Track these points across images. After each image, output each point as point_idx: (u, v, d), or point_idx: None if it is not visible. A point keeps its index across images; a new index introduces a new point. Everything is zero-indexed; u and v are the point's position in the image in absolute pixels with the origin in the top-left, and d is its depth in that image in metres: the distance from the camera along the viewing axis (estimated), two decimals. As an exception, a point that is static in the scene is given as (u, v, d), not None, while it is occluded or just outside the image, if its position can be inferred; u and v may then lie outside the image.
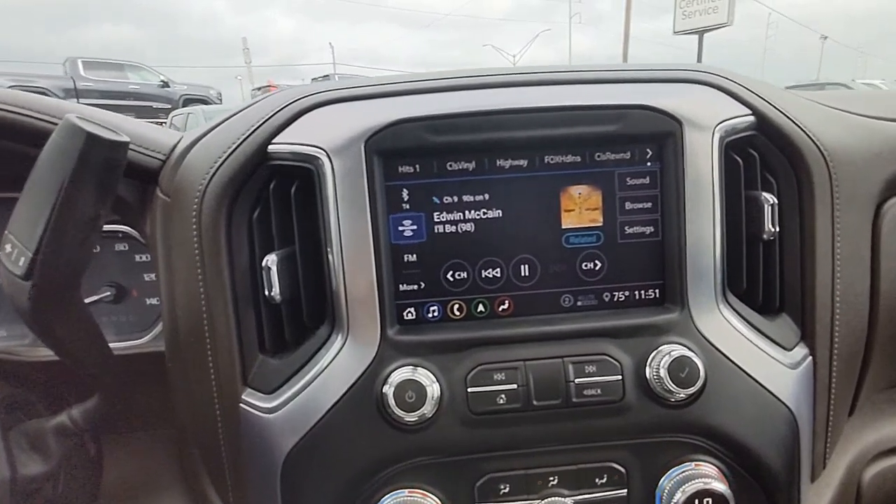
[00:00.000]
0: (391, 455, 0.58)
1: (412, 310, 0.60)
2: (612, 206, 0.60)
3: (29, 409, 0.76)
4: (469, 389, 0.57)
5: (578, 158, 0.59)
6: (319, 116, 0.59)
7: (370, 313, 0.57)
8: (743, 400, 0.60)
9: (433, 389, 0.56)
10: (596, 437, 0.60)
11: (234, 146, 0.58)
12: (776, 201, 0.61)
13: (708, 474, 0.59)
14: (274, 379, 0.60)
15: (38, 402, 0.77)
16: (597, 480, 0.61)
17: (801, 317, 0.64)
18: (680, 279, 0.59)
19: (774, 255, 0.64)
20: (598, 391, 0.58)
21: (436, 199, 0.58)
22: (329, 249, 0.57)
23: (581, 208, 0.59)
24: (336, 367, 0.58)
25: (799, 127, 0.61)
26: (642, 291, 0.61)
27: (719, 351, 0.59)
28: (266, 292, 0.58)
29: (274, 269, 0.57)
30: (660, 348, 0.58)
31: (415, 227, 0.59)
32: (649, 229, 0.60)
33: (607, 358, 0.58)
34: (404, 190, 0.58)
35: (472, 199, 0.59)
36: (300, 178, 0.59)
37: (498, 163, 0.58)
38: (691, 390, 0.57)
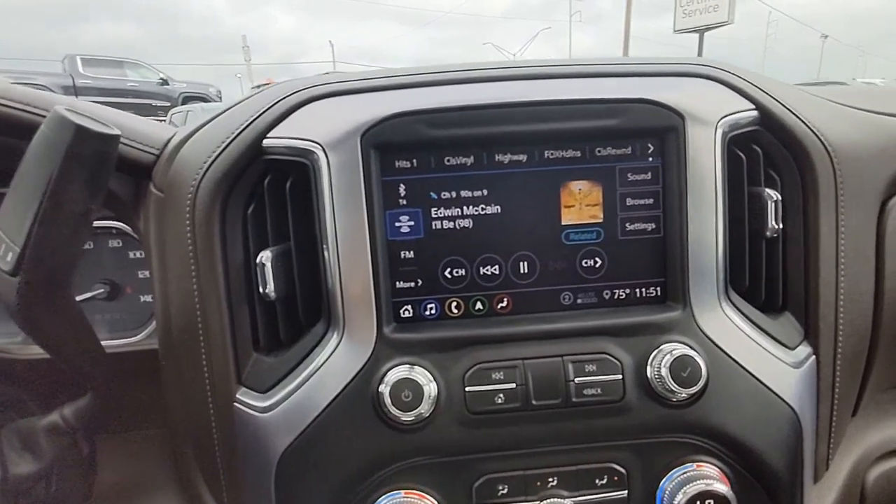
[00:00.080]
0: (387, 455, 0.57)
1: (409, 307, 0.59)
2: (612, 201, 0.59)
3: (21, 407, 0.75)
4: (467, 388, 0.56)
5: (578, 153, 0.58)
6: (315, 110, 0.58)
7: (366, 311, 0.57)
8: (745, 400, 0.59)
9: (430, 388, 0.55)
10: (596, 438, 0.59)
11: (228, 140, 0.57)
12: (780, 198, 0.60)
13: (710, 475, 0.58)
14: (268, 377, 0.59)
15: (30, 401, 0.76)
16: (597, 481, 0.60)
17: (804, 315, 0.63)
18: (682, 277, 0.58)
19: (777, 252, 0.63)
20: (598, 390, 0.57)
21: (433, 195, 0.58)
22: (324, 246, 0.57)
23: (581, 204, 0.58)
24: (331, 365, 0.57)
25: (803, 122, 0.60)
26: (643, 289, 0.61)
27: (721, 350, 0.58)
28: (260, 289, 0.57)
29: (268, 265, 0.56)
30: (661, 347, 0.57)
31: (412, 223, 0.58)
32: (651, 226, 0.59)
33: (607, 357, 0.57)
34: (401, 185, 0.57)
35: (470, 194, 0.58)
36: (295, 173, 0.58)
37: (497, 157, 0.57)
38: (693, 390, 0.56)
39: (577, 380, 0.57)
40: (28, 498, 0.71)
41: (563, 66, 0.61)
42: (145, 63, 15.06)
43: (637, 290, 0.61)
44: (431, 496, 0.58)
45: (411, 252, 0.58)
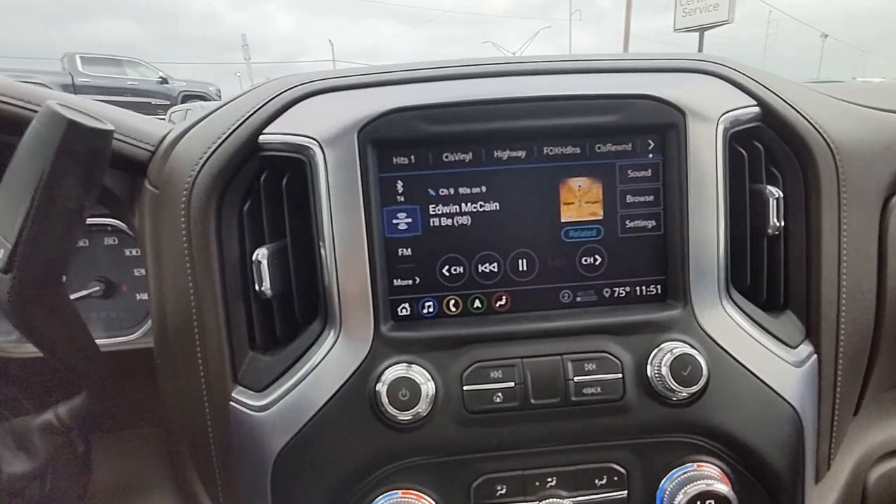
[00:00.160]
0: (384, 455, 0.57)
1: (407, 305, 0.59)
2: (612, 199, 0.58)
3: (14, 406, 0.75)
4: (465, 387, 0.56)
5: (578, 150, 0.57)
6: (311, 106, 0.57)
7: (363, 309, 0.56)
8: (746, 399, 0.58)
9: (428, 387, 0.54)
10: (595, 437, 0.59)
11: (223, 136, 0.57)
12: (781, 195, 0.60)
13: (710, 475, 0.57)
14: (264, 376, 0.58)
15: (25, 400, 0.76)
16: (596, 481, 0.60)
17: (805, 314, 0.63)
18: (682, 275, 0.58)
19: (779, 250, 0.62)
20: (598, 390, 0.56)
21: (431, 192, 0.57)
22: (321, 243, 0.56)
23: (581, 201, 0.58)
24: (328, 364, 0.56)
25: (805, 118, 0.60)
26: (644, 287, 0.60)
27: (722, 348, 0.58)
28: (256, 287, 0.57)
29: (264, 263, 0.56)
30: (661, 346, 0.57)
31: (409, 220, 0.57)
32: (651, 223, 0.59)
33: (607, 355, 0.57)
34: (399, 182, 0.57)
35: (468, 191, 0.57)
36: (292, 170, 0.57)
37: (495, 154, 0.57)
38: (694, 389, 0.55)
39: (576, 379, 0.56)
40: (22, 497, 0.70)
41: (563, 61, 0.60)
42: (145, 61, 15.06)
43: (637, 288, 0.60)
44: (429, 496, 0.58)
45: (409, 249, 0.58)
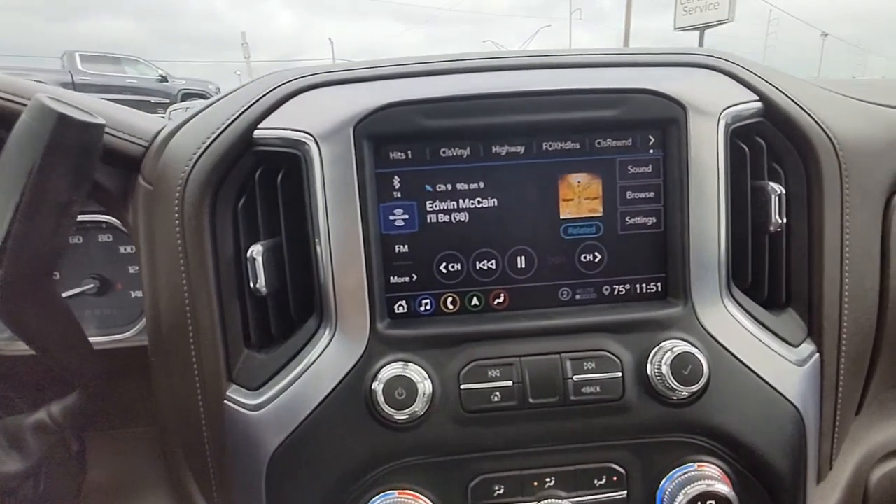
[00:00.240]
0: (381, 454, 0.56)
1: (403, 303, 0.58)
2: (612, 195, 0.57)
3: (7, 405, 0.74)
4: (462, 386, 0.55)
5: (577, 145, 0.57)
6: (307, 100, 0.57)
7: (359, 306, 0.55)
8: (748, 398, 0.58)
9: (425, 386, 0.54)
10: (594, 437, 0.58)
11: (217, 131, 0.56)
12: (784, 192, 0.59)
13: (711, 476, 0.57)
14: (259, 374, 0.58)
15: (17, 398, 0.75)
16: (595, 482, 0.59)
17: (808, 312, 0.62)
18: (683, 272, 0.57)
19: (781, 247, 0.62)
20: (597, 389, 0.56)
21: (428, 187, 0.56)
22: (317, 240, 0.55)
23: (580, 197, 0.57)
24: (323, 362, 0.56)
25: (808, 114, 0.59)
26: (644, 285, 0.59)
27: (723, 347, 0.57)
28: (251, 284, 0.56)
29: (259, 259, 0.55)
30: (661, 344, 0.56)
31: (406, 216, 0.56)
32: (651, 220, 0.58)
33: (607, 354, 0.56)
34: (395, 177, 0.56)
35: (466, 187, 0.56)
36: (287, 165, 0.57)
37: (493, 149, 0.56)
38: (694, 388, 0.54)
39: (575, 378, 0.55)
40: (15, 497, 0.69)
41: (562, 55, 0.59)
42: (144, 60, 15.05)
43: (637, 285, 0.59)
44: (426, 496, 0.57)
45: (406, 246, 0.57)
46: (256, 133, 0.56)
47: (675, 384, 0.54)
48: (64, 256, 0.73)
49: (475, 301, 0.59)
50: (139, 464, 0.80)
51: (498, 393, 0.55)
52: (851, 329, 0.62)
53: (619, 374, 0.56)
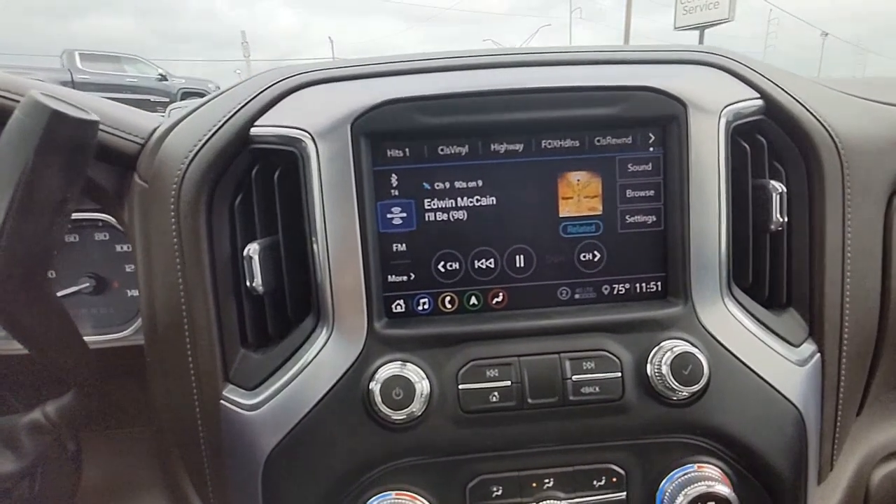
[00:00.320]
0: (378, 455, 0.56)
1: (401, 302, 0.57)
2: (612, 193, 0.57)
3: (2, 404, 0.74)
4: (460, 386, 0.55)
5: (577, 143, 0.56)
6: (304, 98, 0.56)
7: (356, 305, 0.55)
8: (748, 398, 0.57)
9: (422, 386, 0.53)
10: (594, 438, 0.58)
11: (214, 129, 0.56)
12: (785, 190, 0.58)
13: (711, 477, 0.56)
14: (256, 374, 0.57)
15: (12, 398, 0.74)
16: (594, 483, 0.58)
17: (809, 312, 0.62)
18: (683, 271, 0.57)
19: (782, 246, 0.61)
20: (597, 389, 0.55)
21: (426, 186, 0.56)
22: (314, 238, 0.55)
23: (579, 196, 0.57)
24: (320, 362, 0.55)
25: (809, 112, 0.59)
26: (643, 284, 0.59)
27: (724, 347, 0.57)
28: (248, 283, 0.55)
29: (256, 258, 0.55)
30: (661, 344, 0.55)
31: (404, 214, 0.56)
32: (651, 218, 0.58)
33: (606, 354, 0.56)
34: (393, 175, 0.55)
35: (464, 185, 0.56)
36: (284, 163, 0.56)
37: (492, 147, 0.56)
38: (694, 388, 0.54)
39: (574, 378, 0.55)
40: (10, 497, 0.69)
41: (562, 52, 0.59)
42: (144, 58, 15.03)
43: (637, 284, 0.59)
44: (424, 497, 0.57)
45: (403, 245, 0.56)
46: (253, 130, 0.55)
47: (675, 384, 0.53)
48: (59, 255, 0.72)
49: (473, 300, 0.58)
50: (135, 464, 0.80)
51: (496, 393, 0.55)
52: (853, 329, 0.61)
53: (619, 374, 0.55)
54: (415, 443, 0.55)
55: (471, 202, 0.56)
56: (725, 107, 0.56)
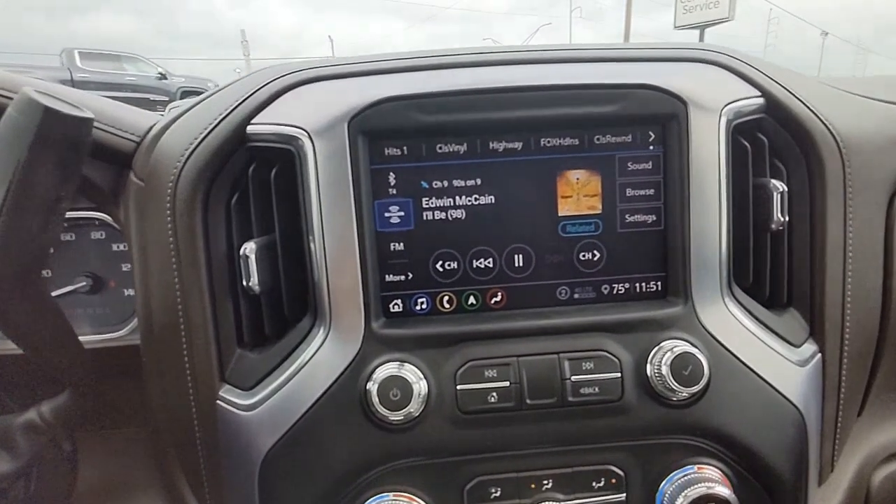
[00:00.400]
0: (375, 456, 0.55)
1: (399, 302, 0.57)
2: (611, 192, 0.56)
3: (-3, 404, 0.73)
4: (458, 387, 0.54)
5: (576, 141, 0.56)
6: (301, 95, 0.56)
7: (354, 305, 0.54)
8: (749, 399, 0.57)
9: (420, 387, 0.53)
10: (593, 439, 0.57)
11: (210, 127, 0.55)
12: (786, 189, 0.58)
13: (711, 478, 0.56)
14: (252, 374, 0.57)
15: (7, 398, 0.74)
16: (593, 484, 0.58)
17: (810, 311, 0.61)
18: (683, 271, 0.56)
19: (783, 246, 0.61)
20: (596, 389, 0.55)
21: (424, 184, 0.55)
22: (310, 237, 0.54)
23: (579, 194, 0.56)
24: (317, 362, 0.55)
25: (811, 110, 0.58)
26: (643, 284, 0.58)
27: (724, 347, 0.56)
28: (244, 282, 0.55)
29: (252, 257, 0.54)
30: (661, 344, 0.55)
31: (402, 213, 0.55)
32: (651, 218, 0.57)
33: (606, 354, 0.55)
34: (391, 174, 0.55)
35: (463, 184, 0.55)
36: (281, 161, 0.56)
37: (491, 145, 0.55)
38: (694, 389, 0.54)
39: (573, 378, 0.55)
40: (6, 497, 0.68)
41: (561, 50, 0.58)
42: (143, 57, 15.00)
43: (637, 284, 0.58)
44: (421, 499, 0.56)
45: (401, 244, 0.56)
46: (249, 129, 0.55)
47: (675, 385, 0.53)
48: (54, 254, 0.72)
49: (472, 300, 0.58)
50: (131, 464, 0.79)
51: (495, 393, 0.54)
52: (854, 329, 0.61)
53: (619, 375, 0.55)
54: (412, 444, 0.55)
55: (469, 201, 0.56)
56: (726, 105, 0.56)
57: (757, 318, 0.59)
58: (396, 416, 0.52)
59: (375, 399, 0.52)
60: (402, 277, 0.57)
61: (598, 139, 0.56)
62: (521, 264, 0.57)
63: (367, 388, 0.53)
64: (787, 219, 0.58)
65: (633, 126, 0.56)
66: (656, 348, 0.55)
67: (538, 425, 0.56)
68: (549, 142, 0.55)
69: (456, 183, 0.55)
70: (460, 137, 0.55)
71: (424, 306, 0.57)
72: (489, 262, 0.57)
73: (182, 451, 0.63)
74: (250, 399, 0.55)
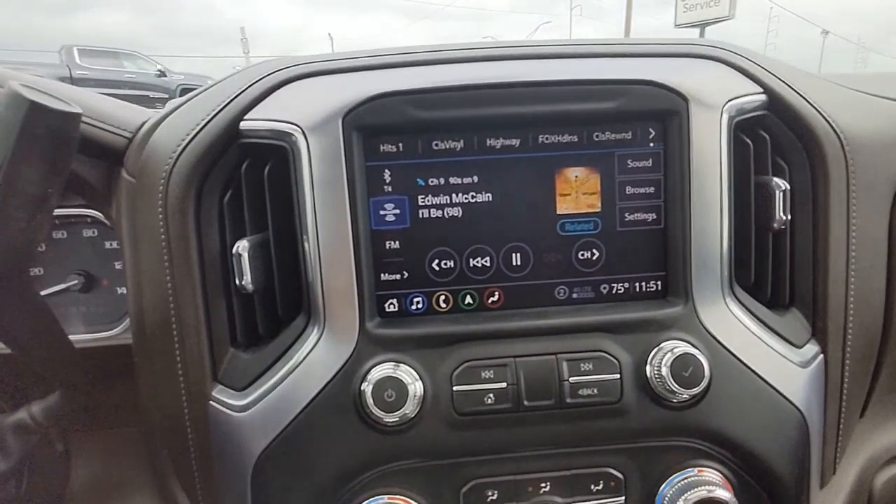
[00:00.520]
0: (370, 458, 0.54)
1: (394, 301, 0.56)
2: (611, 190, 0.55)
3: (-12, 404, 0.72)
4: (454, 388, 0.53)
5: (575, 138, 0.55)
6: (295, 91, 0.55)
7: (348, 304, 0.53)
8: (750, 401, 0.56)
9: (415, 388, 0.52)
10: (591, 441, 0.56)
11: (203, 123, 0.54)
12: (788, 187, 0.57)
13: (711, 481, 0.55)
14: (245, 375, 0.56)
15: (-2, 398, 0.73)
16: (592, 487, 0.57)
17: (812, 312, 0.60)
18: (683, 270, 0.55)
19: (785, 245, 0.60)
20: (595, 391, 0.54)
21: (420, 182, 0.54)
22: (304, 235, 0.54)
23: (578, 192, 0.55)
24: (311, 362, 0.54)
25: (814, 107, 0.57)
26: (643, 283, 0.57)
27: (725, 348, 0.55)
28: (237, 281, 0.54)
29: (245, 255, 0.53)
30: (661, 345, 0.54)
31: (397, 211, 0.54)
32: (651, 216, 0.56)
33: (605, 355, 0.54)
34: (386, 171, 0.54)
35: (459, 181, 0.54)
36: (274, 158, 0.55)
37: (488, 142, 0.54)
38: (695, 390, 0.53)
39: (571, 379, 0.54)
40: None
41: (560, 45, 0.57)
42: (143, 54, 14.97)
43: (636, 284, 0.57)
44: (416, 502, 0.55)
45: (397, 242, 0.55)
46: (243, 125, 0.54)
47: (675, 386, 0.52)
48: (45, 251, 0.71)
49: (469, 299, 0.57)
50: (124, 465, 0.79)
51: (491, 395, 0.53)
52: (857, 329, 0.60)
53: (618, 376, 0.54)
54: (408, 446, 0.54)
55: (466, 199, 0.55)
56: (728, 102, 0.55)
57: (758, 319, 0.58)
58: (391, 418, 0.52)
59: (370, 400, 0.51)
60: (398, 276, 0.56)
61: (597, 136, 0.55)
62: (518, 263, 0.56)
63: (362, 388, 0.52)
64: (789, 217, 0.58)
65: (633, 123, 0.55)
66: (656, 349, 0.54)
67: (536, 427, 0.55)
68: (547, 139, 0.54)
69: (452, 180, 0.54)
70: (457, 134, 0.54)
71: (420, 306, 0.56)
72: (486, 261, 0.56)
73: (174, 451, 0.62)
74: (243, 400, 0.55)
